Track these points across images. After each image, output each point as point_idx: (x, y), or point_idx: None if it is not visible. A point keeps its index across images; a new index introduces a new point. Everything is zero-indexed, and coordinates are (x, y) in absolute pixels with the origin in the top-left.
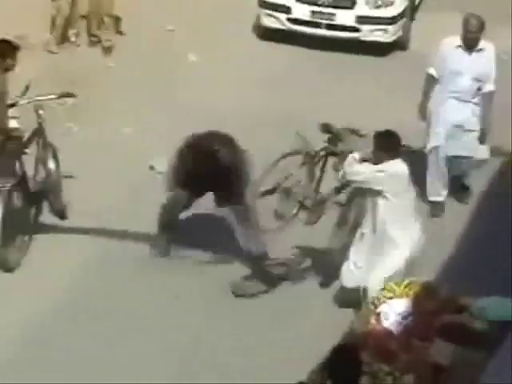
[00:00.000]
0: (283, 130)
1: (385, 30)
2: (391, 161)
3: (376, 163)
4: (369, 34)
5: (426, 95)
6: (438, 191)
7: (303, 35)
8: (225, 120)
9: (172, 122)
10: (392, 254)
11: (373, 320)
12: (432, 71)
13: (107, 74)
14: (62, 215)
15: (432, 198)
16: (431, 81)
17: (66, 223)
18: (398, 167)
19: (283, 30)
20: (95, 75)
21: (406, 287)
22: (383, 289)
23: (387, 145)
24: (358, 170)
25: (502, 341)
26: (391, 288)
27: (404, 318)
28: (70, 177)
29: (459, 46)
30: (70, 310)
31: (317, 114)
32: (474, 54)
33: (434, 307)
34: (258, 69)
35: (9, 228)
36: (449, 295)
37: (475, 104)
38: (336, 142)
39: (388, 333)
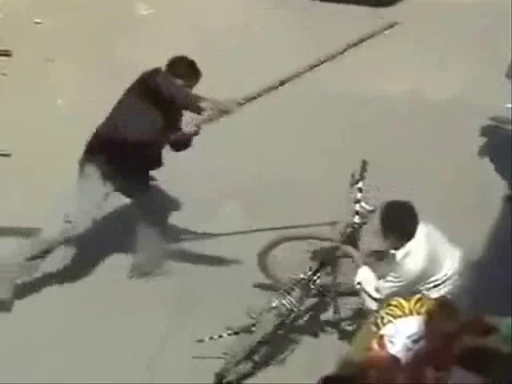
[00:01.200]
0: None
1: None
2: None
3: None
4: None
5: None
6: None
7: None
8: None
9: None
10: None
11: (375, 345)
12: None
13: (34, 32)
14: None
15: None
16: None
17: None
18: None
19: None
20: (19, 33)
21: (416, 303)
22: (388, 305)
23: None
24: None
25: None
26: (398, 304)
27: (414, 341)
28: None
29: None
30: None
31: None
32: None
33: (451, 328)
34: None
35: None
36: (470, 313)
37: None
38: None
39: (394, 361)
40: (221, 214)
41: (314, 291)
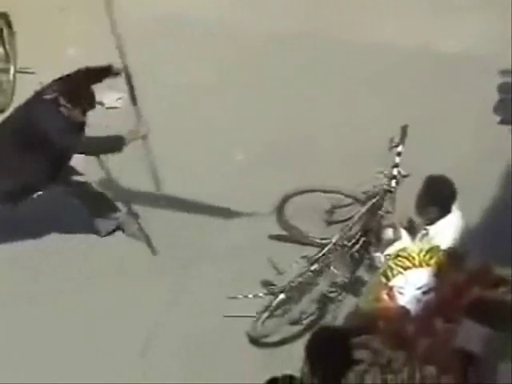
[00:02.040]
0: None
1: None
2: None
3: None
4: None
5: None
6: None
7: None
8: None
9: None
10: None
11: (384, 296)
12: None
13: None
14: None
15: None
16: None
17: None
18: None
19: None
20: None
21: (426, 254)
22: (397, 256)
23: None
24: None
25: None
26: (408, 255)
27: (424, 293)
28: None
29: None
30: None
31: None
32: None
33: (461, 279)
34: None
35: None
36: (480, 264)
37: None
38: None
39: (404, 312)
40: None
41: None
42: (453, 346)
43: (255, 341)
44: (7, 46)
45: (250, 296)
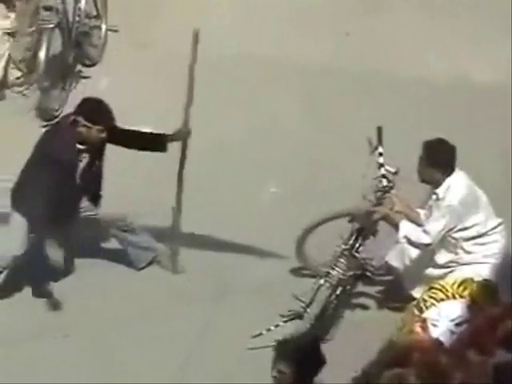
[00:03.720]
0: None
1: None
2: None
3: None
4: None
5: None
6: None
7: None
8: None
9: None
10: None
11: (418, 328)
12: None
13: None
14: None
15: None
16: None
17: None
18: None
19: None
20: None
21: (459, 286)
22: (431, 288)
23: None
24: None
25: None
26: (441, 287)
27: (458, 325)
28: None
29: None
30: None
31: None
32: None
33: (495, 312)
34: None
35: (50, 73)
36: None
37: None
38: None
39: (437, 344)
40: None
41: (357, 259)
42: (488, 379)
43: None
44: (99, 6)
45: (272, 328)
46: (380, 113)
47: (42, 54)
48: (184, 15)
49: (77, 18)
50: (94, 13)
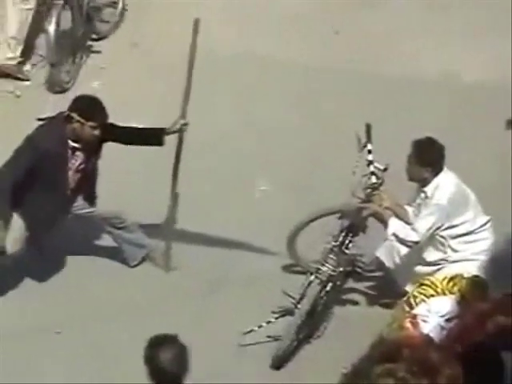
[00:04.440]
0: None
1: None
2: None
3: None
4: None
5: None
6: None
7: None
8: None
9: None
10: None
11: (408, 324)
12: None
13: None
14: None
15: None
16: None
17: None
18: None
19: None
20: None
21: (449, 282)
22: (421, 284)
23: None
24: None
25: None
26: (431, 283)
27: (447, 320)
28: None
29: None
30: None
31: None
32: None
33: (484, 307)
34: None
35: (60, 47)
36: (503, 292)
37: None
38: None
39: (428, 340)
40: None
41: (347, 256)
42: None
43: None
44: None
45: (264, 324)
46: (370, 111)
47: (51, 29)
48: (176, 13)
49: None
50: None
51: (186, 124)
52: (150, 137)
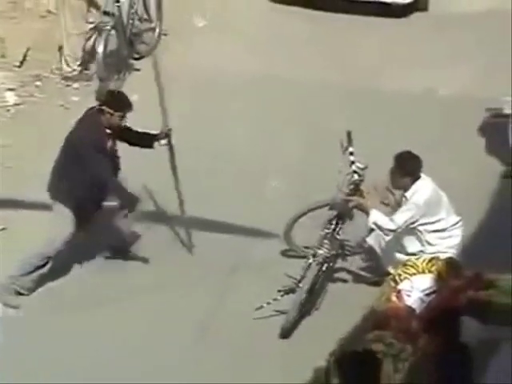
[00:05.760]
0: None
1: None
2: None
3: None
4: None
5: None
6: None
7: None
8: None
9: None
10: None
11: (394, 297)
12: None
13: None
14: None
15: None
16: None
17: None
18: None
19: None
20: None
21: (428, 263)
22: (405, 265)
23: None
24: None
25: None
26: (413, 264)
27: (427, 295)
28: None
29: None
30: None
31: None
32: None
33: (458, 284)
34: (272, 33)
35: (107, 65)
36: (473, 271)
37: None
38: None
39: (410, 311)
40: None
41: (338, 241)
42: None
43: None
44: (151, 12)
45: (271, 301)
46: (358, 121)
47: (100, 50)
48: None
49: (130, 21)
50: (145, 17)
51: (170, 129)
52: (145, 139)
